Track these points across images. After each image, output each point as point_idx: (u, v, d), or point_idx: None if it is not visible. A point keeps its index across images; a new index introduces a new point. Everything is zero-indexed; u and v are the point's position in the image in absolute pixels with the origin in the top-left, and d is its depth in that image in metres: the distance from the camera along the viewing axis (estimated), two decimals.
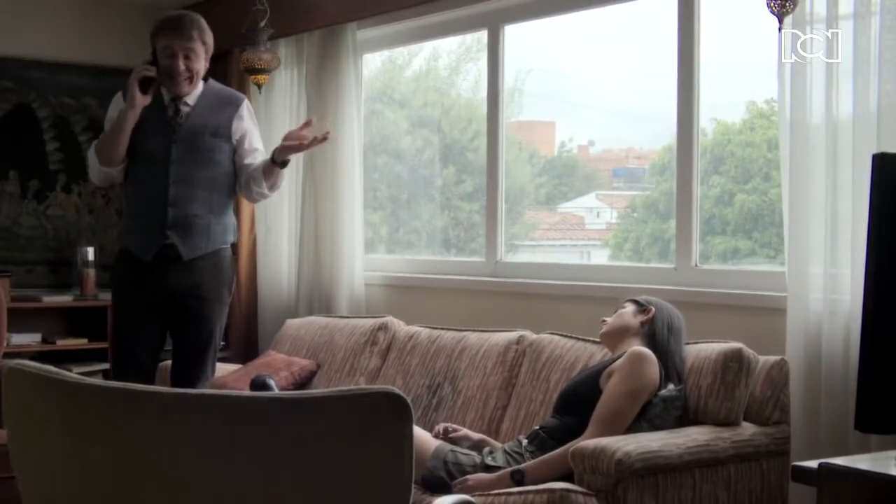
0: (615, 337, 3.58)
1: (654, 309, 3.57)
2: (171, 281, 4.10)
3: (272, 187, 4.24)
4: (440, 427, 3.75)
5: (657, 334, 3.51)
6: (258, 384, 4.34)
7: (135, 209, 4.23)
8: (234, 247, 4.66)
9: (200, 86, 4.20)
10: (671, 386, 3.42)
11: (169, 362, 4.31)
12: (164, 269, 4.09)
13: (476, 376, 4.15)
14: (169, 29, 4.09)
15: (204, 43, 4.14)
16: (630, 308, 3.62)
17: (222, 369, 5.09)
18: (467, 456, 3.54)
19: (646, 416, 3.34)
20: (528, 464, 3.37)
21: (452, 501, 2.39)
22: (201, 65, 4.14)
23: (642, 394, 3.35)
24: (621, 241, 5.00)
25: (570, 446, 3.26)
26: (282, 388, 4.47)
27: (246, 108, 4.27)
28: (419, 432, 3.57)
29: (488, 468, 3.44)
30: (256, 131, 4.31)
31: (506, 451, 3.51)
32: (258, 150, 4.25)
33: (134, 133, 4.12)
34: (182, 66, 4.06)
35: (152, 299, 4.12)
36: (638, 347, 3.43)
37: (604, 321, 3.67)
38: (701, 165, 4.21)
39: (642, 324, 3.54)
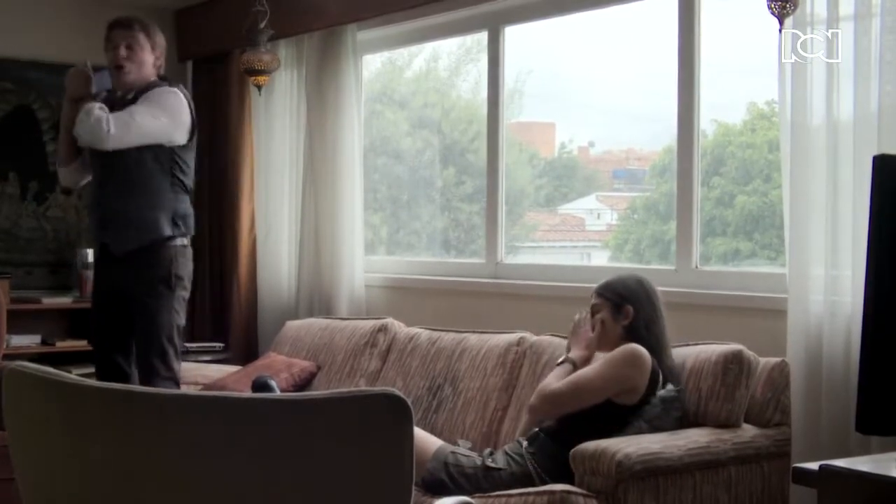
0: (608, 347, 3.55)
1: (631, 308, 3.52)
2: (115, 277, 4.23)
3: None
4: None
5: (641, 336, 3.49)
6: (260, 385, 4.35)
7: (88, 211, 4.47)
8: (196, 241, 4.61)
9: (147, 83, 4.24)
10: (670, 386, 3.42)
11: None
12: (109, 266, 4.25)
13: (476, 378, 4.14)
14: (112, 26, 4.28)
15: (148, 36, 4.25)
16: (606, 311, 3.55)
17: (222, 370, 5.10)
18: (468, 458, 3.54)
19: (644, 417, 3.34)
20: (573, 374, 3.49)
21: (453, 503, 2.39)
22: (145, 55, 4.23)
23: (612, 384, 3.36)
24: (622, 242, 5.00)
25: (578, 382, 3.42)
26: (282, 390, 4.47)
27: (154, 91, 4.17)
28: (420, 434, 3.57)
29: (489, 469, 3.45)
30: (139, 105, 4.13)
31: (506, 453, 3.51)
32: (127, 112, 4.11)
33: None
34: (122, 52, 4.19)
35: (105, 297, 4.29)
36: (635, 346, 3.42)
37: (584, 327, 3.62)
38: (701, 167, 4.21)
39: (625, 327, 3.51)
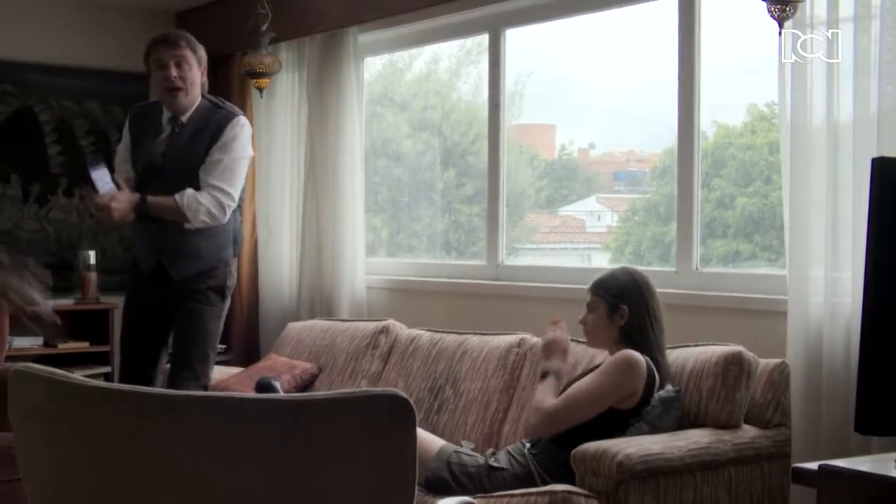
0: (602, 346, 3.58)
1: (626, 309, 3.50)
2: (163, 294, 4.21)
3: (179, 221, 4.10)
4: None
5: (635, 335, 3.48)
6: (263, 386, 4.37)
7: (135, 227, 4.35)
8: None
9: (197, 103, 4.20)
10: (669, 387, 3.43)
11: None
12: (160, 284, 4.21)
13: (477, 379, 4.15)
14: (157, 43, 4.17)
15: (194, 52, 4.16)
16: (602, 310, 3.53)
17: (224, 372, 5.11)
18: (471, 457, 3.56)
19: (645, 419, 3.35)
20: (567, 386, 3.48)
21: (456, 502, 2.40)
22: (195, 74, 4.15)
23: (609, 394, 3.36)
24: (622, 244, 5.01)
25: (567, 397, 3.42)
26: (284, 391, 4.48)
27: (231, 132, 4.13)
28: (422, 434, 3.58)
29: (491, 469, 3.46)
30: (231, 156, 4.12)
31: (509, 453, 3.52)
32: (210, 181, 4.08)
33: (133, 152, 4.23)
34: (174, 72, 4.09)
35: (142, 310, 4.26)
36: (628, 353, 3.40)
37: (583, 324, 3.60)
38: (702, 168, 4.22)
39: (621, 328, 3.50)
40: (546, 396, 3.47)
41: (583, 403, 3.38)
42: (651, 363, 3.40)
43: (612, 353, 3.50)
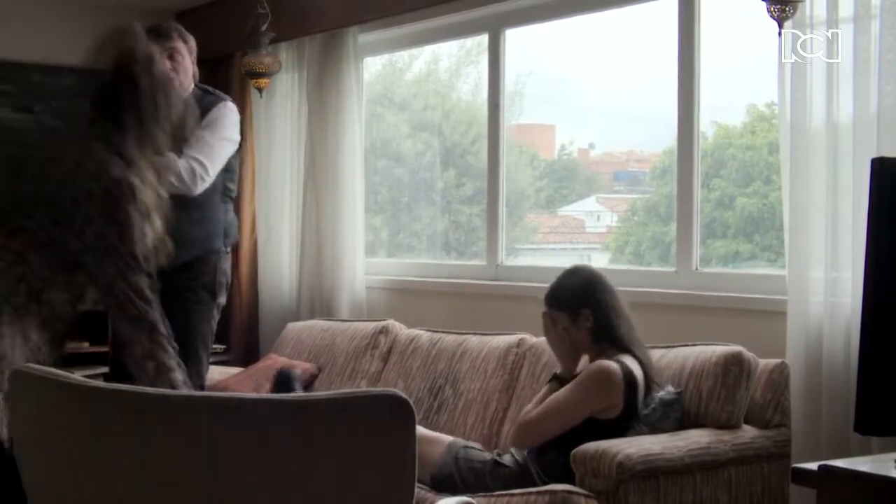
0: (580, 353, 3.55)
1: (588, 312, 3.45)
2: (159, 282, 4.15)
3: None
4: None
5: (606, 336, 3.45)
6: (283, 377, 4.31)
7: None
8: (235, 247, 4.63)
9: (189, 91, 4.20)
10: (670, 388, 3.42)
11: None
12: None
13: (477, 379, 4.16)
14: (148, 35, 4.15)
15: (186, 43, 4.17)
16: (566, 321, 3.47)
17: (224, 372, 5.11)
18: (479, 452, 3.57)
19: (645, 421, 3.34)
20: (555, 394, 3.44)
21: (455, 502, 2.41)
22: (187, 64, 4.16)
23: (584, 407, 3.35)
24: (622, 244, 5.01)
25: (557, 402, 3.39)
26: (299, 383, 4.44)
27: (216, 113, 4.13)
28: (426, 433, 3.60)
29: (498, 465, 3.48)
30: (214, 134, 4.09)
31: (512, 454, 3.53)
32: (188, 153, 4.00)
33: None
34: (168, 64, 4.09)
35: None
36: (600, 367, 3.37)
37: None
38: (702, 169, 4.22)
39: (589, 330, 3.46)
40: (532, 406, 3.49)
41: (556, 416, 3.38)
42: (628, 369, 3.35)
43: (590, 357, 3.49)
